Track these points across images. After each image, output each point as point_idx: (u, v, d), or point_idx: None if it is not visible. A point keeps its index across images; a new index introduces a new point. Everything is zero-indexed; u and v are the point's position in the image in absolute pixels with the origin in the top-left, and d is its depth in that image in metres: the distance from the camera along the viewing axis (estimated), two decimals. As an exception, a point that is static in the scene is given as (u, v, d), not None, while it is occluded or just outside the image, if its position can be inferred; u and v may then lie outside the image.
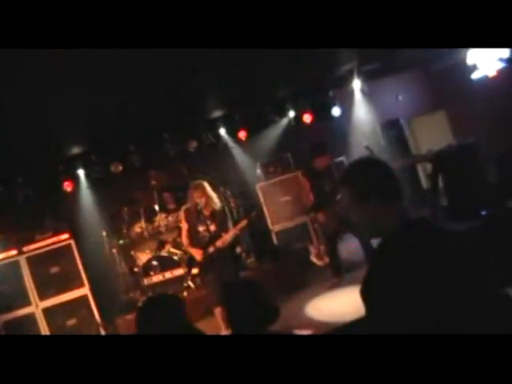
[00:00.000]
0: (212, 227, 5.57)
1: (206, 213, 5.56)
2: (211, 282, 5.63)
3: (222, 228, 5.61)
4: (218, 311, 5.57)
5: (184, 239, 5.86)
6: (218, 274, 5.53)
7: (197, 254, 5.63)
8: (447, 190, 7.43)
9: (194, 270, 5.83)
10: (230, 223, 5.73)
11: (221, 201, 6.20)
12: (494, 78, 8.08)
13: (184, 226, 5.83)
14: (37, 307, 7.22)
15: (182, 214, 5.94)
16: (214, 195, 5.71)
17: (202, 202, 5.51)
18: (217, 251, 5.55)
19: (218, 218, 5.62)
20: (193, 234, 5.72)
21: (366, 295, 1.72)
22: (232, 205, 7.81)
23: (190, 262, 5.81)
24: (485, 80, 8.28)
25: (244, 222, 5.77)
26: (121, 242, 7.72)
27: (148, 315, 2.49)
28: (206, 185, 5.67)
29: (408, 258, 1.65)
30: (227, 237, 5.62)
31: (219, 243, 5.51)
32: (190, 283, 7.29)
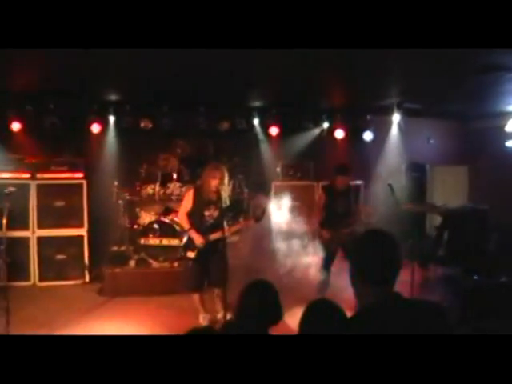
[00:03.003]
0: (216, 213, 5.49)
1: (214, 197, 5.45)
2: (201, 268, 5.58)
3: (227, 216, 5.52)
4: (196, 297, 5.68)
5: (181, 216, 5.71)
6: (210, 260, 5.52)
7: (198, 239, 5.49)
8: (448, 245, 7.60)
9: (190, 254, 5.59)
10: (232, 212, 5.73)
11: (234, 189, 6.24)
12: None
13: (187, 203, 5.64)
14: (33, 233, 7.40)
15: (191, 191, 5.76)
16: (227, 182, 5.60)
17: (214, 183, 5.39)
18: (217, 239, 5.43)
19: (224, 205, 5.44)
20: (196, 215, 5.58)
21: None
22: (244, 195, 7.96)
23: (188, 243, 5.60)
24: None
25: (252, 222, 5.70)
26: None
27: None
28: (225, 170, 5.55)
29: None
30: (233, 228, 5.66)
31: (223, 233, 5.26)
32: (183, 254, 7.43)
